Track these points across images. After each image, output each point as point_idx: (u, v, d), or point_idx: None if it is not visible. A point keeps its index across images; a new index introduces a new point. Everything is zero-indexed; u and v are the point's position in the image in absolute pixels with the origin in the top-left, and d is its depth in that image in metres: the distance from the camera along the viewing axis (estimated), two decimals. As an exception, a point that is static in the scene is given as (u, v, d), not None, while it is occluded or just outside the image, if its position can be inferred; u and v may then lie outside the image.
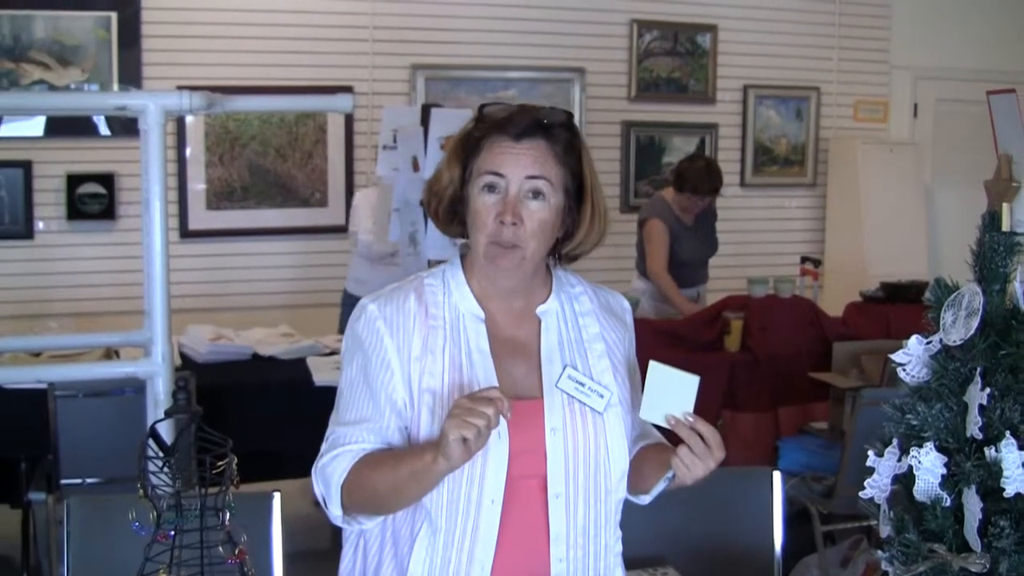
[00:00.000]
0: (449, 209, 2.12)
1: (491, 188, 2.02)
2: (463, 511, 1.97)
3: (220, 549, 1.87)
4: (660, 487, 2.12)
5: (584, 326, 2.16)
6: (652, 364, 1.95)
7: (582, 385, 2.05)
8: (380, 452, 2.01)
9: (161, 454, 1.85)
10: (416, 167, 4.66)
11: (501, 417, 1.86)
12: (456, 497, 1.97)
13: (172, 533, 1.84)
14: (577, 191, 2.09)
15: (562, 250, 2.14)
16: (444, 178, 2.11)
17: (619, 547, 2.17)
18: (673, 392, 1.94)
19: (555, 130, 2.05)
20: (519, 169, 2.01)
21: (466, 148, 2.09)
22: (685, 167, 6.29)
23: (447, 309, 2.08)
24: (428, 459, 1.86)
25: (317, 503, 2.05)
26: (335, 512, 2.02)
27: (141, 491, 1.84)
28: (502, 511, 1.98)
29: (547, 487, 2.01)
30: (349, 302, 5.91)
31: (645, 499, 2.20)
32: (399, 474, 1.91)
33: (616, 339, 2.19)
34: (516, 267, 2.04)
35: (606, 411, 2.06)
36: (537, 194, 2.02)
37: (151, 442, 1.86)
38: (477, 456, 1.90)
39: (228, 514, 1.88)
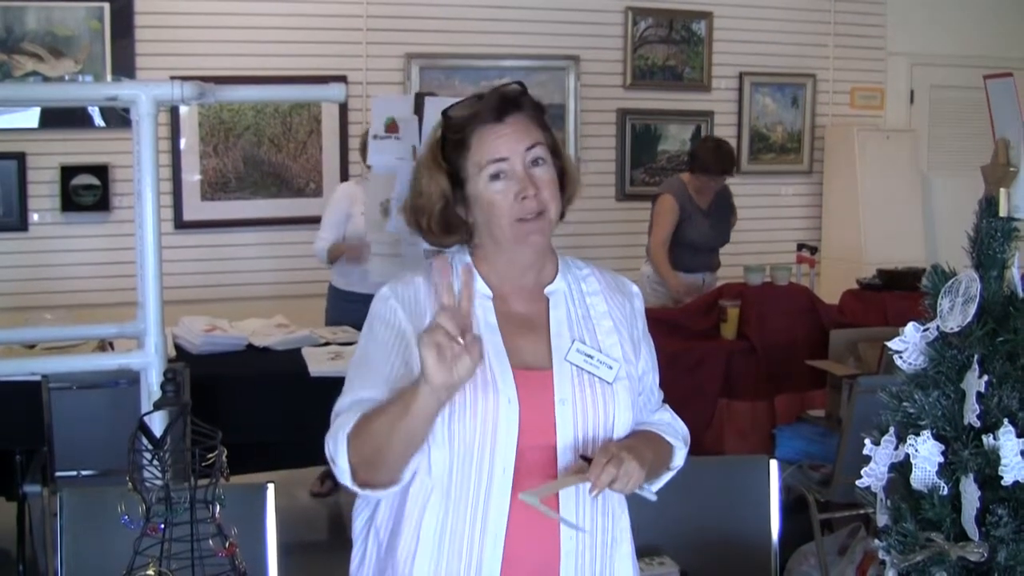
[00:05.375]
0: (441, 220, 2.14)
1: (498, 175, 2.06)
2: (475, 479, 2.00)
3: (211, 542, 1.86)
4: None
5: (592, 304, 2.21)
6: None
7: (591, 358, 2.11)
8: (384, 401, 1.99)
9: (151, 447, 1.83)
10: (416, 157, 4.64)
11: (513, 385, 1.99)
12: (468, 465, 2.00)
13: (162, 526, 1.83)
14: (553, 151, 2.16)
15: None
16: (430, 191, 2.13)
17: (626, 521, 2.20)
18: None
19: (523, 100, 2.12)
20: (516, 144, 2.06)
21: (446, 154, 2.11)
22: (697, 148, 6.35)
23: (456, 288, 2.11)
24: (414, 388, 1.83)
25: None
26: (342, 466, 1.95)
27: (131, 484, 1.83)
28: (513, 482, 2.00)
29: (557, 458, 2.03)
30: (334, 295, 5.94)
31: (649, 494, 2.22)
32: (394, 410, 1.88)
33: (623, 317, 2.23)
34: (544, 235, 2.10)
35: (615, 382, 2.11)
36: (538, 161, 2.08)
37: (141, 435, 1.85)
38: (488, 423, 1.97)
39: (218, 507, 1.87)
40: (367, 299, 2.18)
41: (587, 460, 1.98)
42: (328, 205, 5.97)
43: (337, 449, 1.96)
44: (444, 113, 2.13)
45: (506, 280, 2.16)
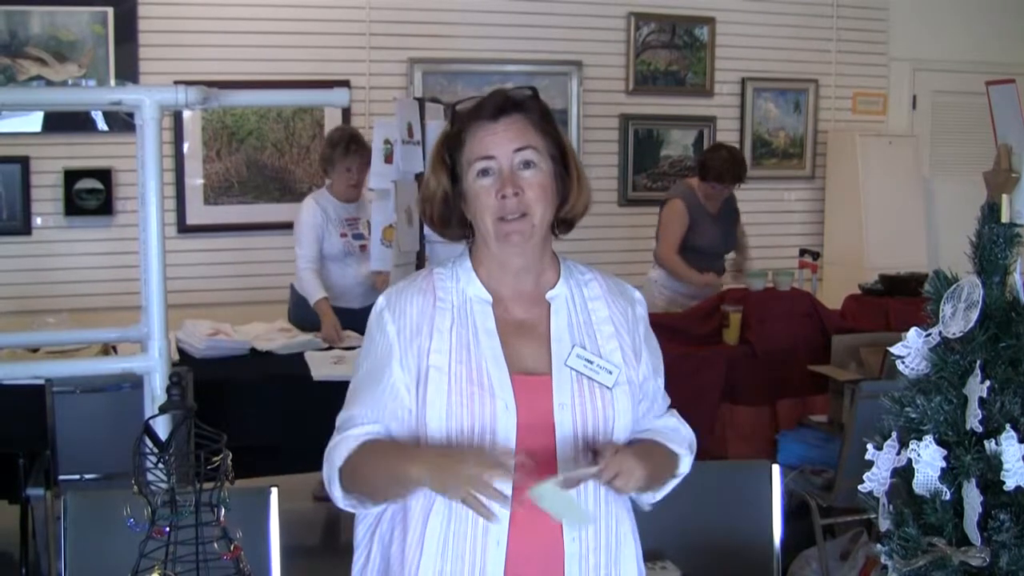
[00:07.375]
0: (442, 212, 2.18)
1: (485, 172, 2.09)
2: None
3: (215, 545, 1.87)
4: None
5: (593, 310, 2.21)
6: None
7: (591, 363, 2.11)
8: (378, 443, 2.07)
9: (156, 450, 1.84)
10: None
11: (511, 390, 2.02)
12: None
13: (167, 529, 1.84)
14: (561, 158, 2.16)
15: (558, 215, 2.18)
16: (432, 183, 2.18)
17: (629, 524, 2.20)
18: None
19: (527, 103, 2.14)
20: (506, 144, 2.09)
21: (449, 148, 2.16)
22: (709, 156, 6.31)
23: (455, 294, 2.15)
24: (412, 474, 1.94)
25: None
26: (336, 494, 2.09)
27: (136, 487, 1.83)
28: (514, 487, 1.99)
29: (557, 462, 2.04)
30: (297, 299, 5.84)
31: (648, 500, 2.25)
32: (383, 473, 2.00)
33: (624, 323, 2.22)
34: (527, 239, 2.10)
35: (615, 387, 2.11)
36: (528, 164, 2.10)
37: (146, 438, 1.85)
38: (485, 429, 2.01)
39: (223, 510, 1.87)
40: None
41: (593, 453, 2.01)
42: (300, 221, 5.75)
43: (331, 479, 2.07)
44: (452, 107, 2.18)
45: (503, 284, 2.17)
